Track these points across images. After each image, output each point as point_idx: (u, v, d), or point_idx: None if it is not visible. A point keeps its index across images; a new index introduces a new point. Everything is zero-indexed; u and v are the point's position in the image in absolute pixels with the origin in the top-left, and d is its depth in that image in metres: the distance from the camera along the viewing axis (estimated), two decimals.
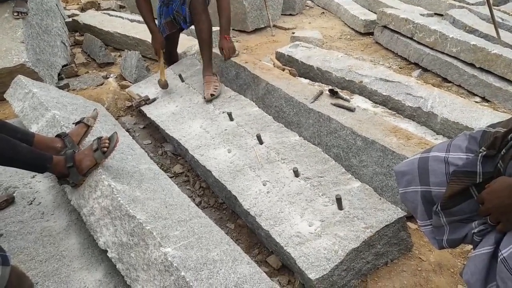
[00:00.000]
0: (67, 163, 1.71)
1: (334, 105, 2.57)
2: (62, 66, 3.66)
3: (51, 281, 1.57)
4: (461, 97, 3.30)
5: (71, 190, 1.82)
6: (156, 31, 2.91)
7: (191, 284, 1.32)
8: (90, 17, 4.68)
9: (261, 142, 2.27)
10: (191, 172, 2.50)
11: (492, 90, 3.52)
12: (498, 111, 2.96)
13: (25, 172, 2.10)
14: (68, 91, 3.33)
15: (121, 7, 6.12)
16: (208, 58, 2.87)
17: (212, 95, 2.70)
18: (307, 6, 6.44)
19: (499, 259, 0.84)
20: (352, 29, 5.46)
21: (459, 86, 3.83)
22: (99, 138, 1.79)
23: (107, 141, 1.77)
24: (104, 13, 5.01)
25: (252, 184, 2.01)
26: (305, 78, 3.58)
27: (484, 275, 0.89)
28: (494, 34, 4.21)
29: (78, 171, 1.72)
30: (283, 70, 3.48)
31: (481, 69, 3.68)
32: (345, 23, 5.68)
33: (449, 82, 3.95)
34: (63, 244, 1.75)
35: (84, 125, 1.97)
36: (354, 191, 1.90)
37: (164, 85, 2.89)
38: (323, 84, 3.40)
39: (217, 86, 2.79)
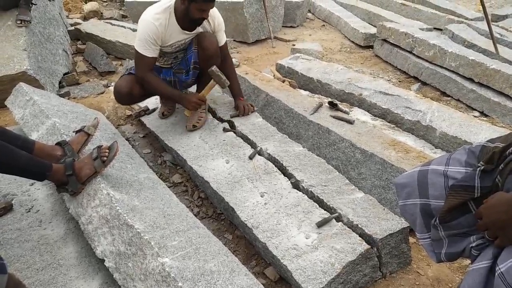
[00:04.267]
0: (67, 171, 1.71)
1: (334, 117, 2.58)
2: (64, 74, 3.69)
3: None
4: (460, 111, 3.32)
5: (70, 198, 1.82)
6: (182, 94, 2.57)
7: None
8: (93, 26, 4.72)
9: (252, 156, 2.27)
10: (190, 182, 2.50)
11: (491, 105, 3.54)
12: (496, 126, 2.98)
13: (23, 180, 2.10)
14: (69, 99, 3.35)
15: (124, 16, 6.17)
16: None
17: (194, 126, 2.56)
18: (308, 18, 6.51)
19: (496, 274, 0.85)
20: (352, 42, 5.51)
21: (458, 100, 3.86)
22: (99, 147, 1.80)
23: (107, 150, 1.77)
24: (107, 22, 5.05)
25: (250, 196, 2.01)
26: (305, 90, 3.60)
27: None
28: (493, 49, 4.25)
29: (77, 179, 1.73)
30: (283, 81, 3.50)
31: (479, 84, 3.71)
32: (345, 36, 5.73)
33: (448, 96, 3.97)
34: (60, 252, 1.74)
35: (85, 134, 1.98)
36: (358, 201, 1.91)
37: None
38: (323, 96, 3.42)
39: (201, 117, 2.61)
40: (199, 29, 2.46)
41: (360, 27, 5.42)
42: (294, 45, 5.14)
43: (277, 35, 5.57)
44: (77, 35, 4.71)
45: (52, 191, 2.07)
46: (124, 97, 2.53)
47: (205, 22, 2.42)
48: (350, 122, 2.51)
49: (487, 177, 0.96)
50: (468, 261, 1.85)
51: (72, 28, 4.73)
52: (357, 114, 3.04)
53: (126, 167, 2.06)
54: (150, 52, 2.34)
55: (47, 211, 1.96)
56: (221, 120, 2.70)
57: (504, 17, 6.20)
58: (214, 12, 2.48)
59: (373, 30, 5.24)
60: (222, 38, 2.57)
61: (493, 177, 0.95)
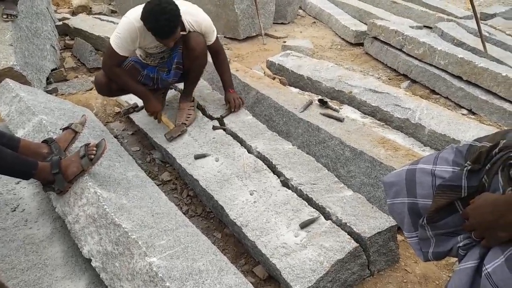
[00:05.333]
0: (53, 169, 1.69)
1: (324, 115, 2.58)
2: (51, 70, 3.63)
3: None
4: (449, 109, 3.35)
5: (56, 197, 1.80)
6: (149, 94, 2.52)
7: None
8: (81, 21, 4.65)
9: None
10: (179, 180, 2.49)
11: (479, 103, 3.57)
12: (484, 124, 3.01)
13: (9, 178, 2.07)
14: (56, 95, 3.31)
15: (113, 11, 6.10)
16: (192, 90, 2.69)
17: (183, 124, 2.54)
18: (299, 15, 6.49)
19: (483, 274, 0.85)
20: (343, 39, 5.52)
21: (447, 98, 3.89)
22: (87, 145, 1.78)
23: (94, 148, 1.75)
24: (96, 17, 4.99)
25: (239, 194, 2.00)
26: (295, 87, 3.60)
27: None
28: (481, 48, 4.28)
29: (64, 178, 1.70)
30: (274, 79, 3.49)
31: (468, 82, 3.74)
32: (336, 33, 5.73)
33: (437, 94, 4.00)
34: (46, 252, 1.72)
35: (72, 131, 1.95)
36: (347, 199, 1.91)
37: (175, 131, 2.50)
38: (313, 94, 3.42)
39: (190, 114, 2.60)
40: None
41: (351, 25, 5.43)
42: (285, 42, 5.12)
43: (268, 32, 5.55)
44: (65, 30, 4.64)
45: (38, 189, 2.04)
46: (103, 87, 2.49)
47: (190, 28, 2.37)
48: (340, 120, 2.52)
49: (474, 177, 0.96)
50: (455, 259, 1.87)
51: (60, 23, 4.66)
52: (347, 112, 3.04)
53: (114, 165, 2.04)
54: (123, 51, 2.29)
55: (33, 210, 1.93)
56: (211, 117, 2.68)
57: (493, 15, 6.26)
58: (199, 17, 2.40)
59: (363, 28, 5.24)
60: (212, 37, 2.51)
61: (480, 177, 0.95)
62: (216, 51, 2.61)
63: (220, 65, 2.66)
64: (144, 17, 2.13)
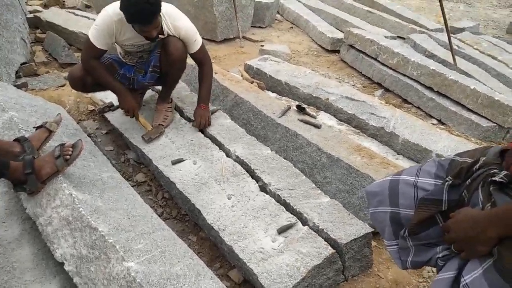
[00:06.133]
0: (26, 169, 1.62)
1: (301, 121, 2.61)
2: (21, 64, 3.49)
3: None
4: (420, 118, 3.45)
5: (27, 198, 1.73)
6: (124, 89, 2.45)
7: None
8: (54, 15, 4.51)
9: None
10: (154, 182, 2.45)
11: (448, 114, 3.71)
12: (453, 134, 3.12)
13: None
14: (26, 90, 3.18)
15: (87, 6, 5.94)
16: (170, 92, 2.66)
17: (160, 125, 2.51)
18: (277, 20, 6.54)
19: (461, 285, 0.89)
20: (319, 45, 5.59)
21: (418, 107, 4.01)
22: (62, 145, 1.72)
23: (70, 148, 1.70)
24: (69, 11, 4.84)
25: (217, 198, 1.99)
26: (273, 92, 3.62)
27: None
28: (451, 61, 4.45)
29: (37, 178, 1.64)
30: (252, 82, 3.50)
31: (438, 93, 3.87)
32: (313, 39, 5.81)
33: (409, 103, 4.12)
34: (15, 254, 1.65)
35: (46, 130, 1.88)
36: (324, 205, 1.93)
37: (154, 133, 2.46)
38: (290, 99, 3.45)
39: (167, 116, 2.58)
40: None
41: (328, 32, 5.51)
42: (262, 45, 5.15)
43: (246, 35, 5.56)
44: (36, 23, 4.48)
45: (7, 188, 1.95)
46: (78, 81, 2.42)
47: (169, 32, 2.33)
48: (317, 126, 2.55)
49: (454, 191, 1.00)
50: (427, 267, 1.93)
51: (31, 15, 4.50)
52: (324, 118, 3.08)
53: (88, 165, 1.99)
54: (101, 44, 2.27)
55: (1, 210, 1.85)
56: (189, 119, 2.66)
57: (462, 30, 6.51)
58: (179, 23, 2.35)
59: (340, 35, 5.34)
60: (193, 47, 2.44)
61: (460, 191, 1.00)
62: (200, 62, 2.55)
63: (201, 77, 2.57)
64: (124, 5, 2.07)
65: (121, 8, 2.09)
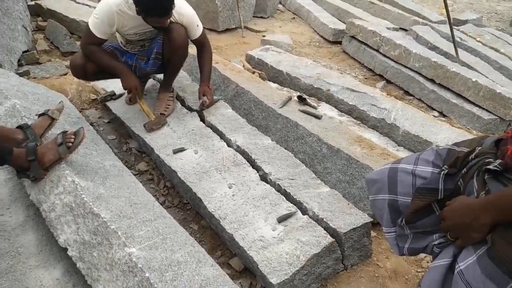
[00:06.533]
0: (29, 156, 1.64)
1: (302, 111, 2.62)
2: (23, 52, 3.49)
3: (4, 279, 1.50)
4: (421, 110, 3.46)
5: (31, 184, 1.75)
6: (126, 68, 2.45)
7: (155, 285, 1.31)
8: (55, 2, 4.49)
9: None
10: (155, 171, 2.46)
11: (450, 106, 3.71)
12: (454, 126, 3.13)
13: None
14: (28, 78, 3.18)
15: None
16: (172, 81, 2.67)
17: (162, 114, 2.52)
18: (279, 10, 6.51)
19: (455, 271, 0.91)
20: (321, 36, 5.57)
21: (420, 99, 4.01)
22: (64, 132, 1.73)
23: (72, 136, 1.71)
24: None
25: (218, 187, 2.01)
26: (274, 82, 3.62)
27: (441, 285, 0.95)
28: (453, 53, 4.43)
29: (39, 165, 1.66)
30: (253, 73, 3.50)
31: (440, 85, 3.87)
32: (315, 30, 5.79)
33: (411, 95, 4.12)
34: (19, 240, 1.68)
35: (48, 118, 1.89)
36: (324, 195, 1.95)
37: (156, 123, 2.45)
38: (292, 90, 3.45)
39: (169, 105, 2.59)
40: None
41: (330, 23, 5.49)
42: (264, 36, 5.13)
43: (248, 25, 5.54)
44: (37, 11, 4.46)
45: (11, 175, 1.97)
46: (79, 69, 2.44)
47: (172, 19, 2.33)
48: (318, 117, 2.56)
49: (450, 180, 1.02)
50: (424, 255, 1.96)
51: (33, 3, 4.48)
52: (325, 109, 3.09)
53: (91, 154, 2.00)
54: (100, 33, 2.28)
55: (5, 197, 1.87)
56: (190, 109, 2.67)
57: (465, 22, 6.47)
58: (182, 10, 2.37)
59: (342, 26, 5.32)
60: (195, 32, 2.49)
61: (456, 180, 1.01)
62: (200, 44, 2.60)
63: (201, 57, 2.63)
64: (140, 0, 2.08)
65: (136, 2, 2.10)
